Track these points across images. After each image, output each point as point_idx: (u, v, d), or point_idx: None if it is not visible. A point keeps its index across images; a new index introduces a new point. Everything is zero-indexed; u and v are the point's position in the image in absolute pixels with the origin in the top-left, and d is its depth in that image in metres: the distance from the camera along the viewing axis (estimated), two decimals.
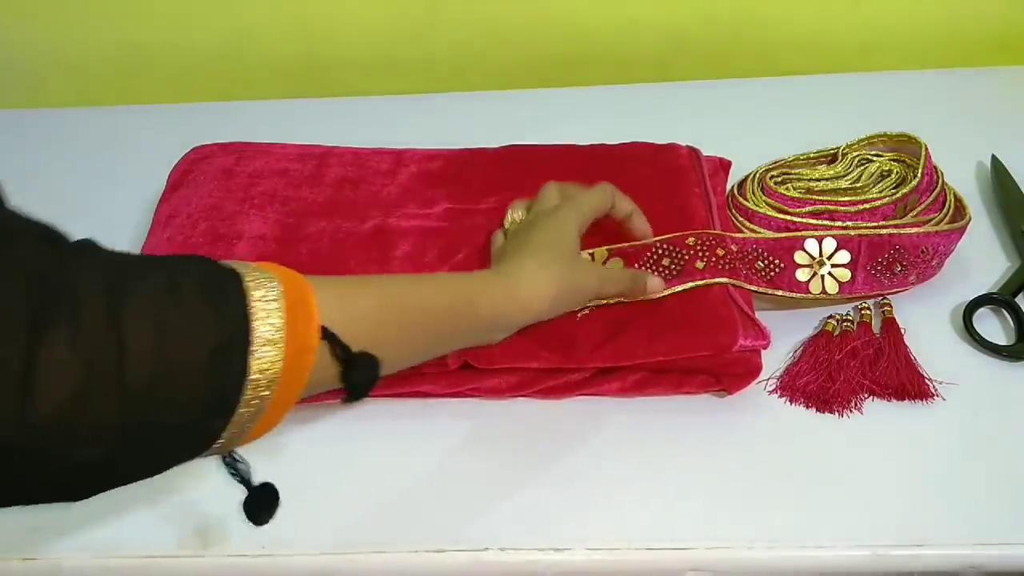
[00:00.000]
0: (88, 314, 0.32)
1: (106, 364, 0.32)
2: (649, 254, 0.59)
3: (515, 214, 0.60)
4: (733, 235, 0.60)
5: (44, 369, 0.30)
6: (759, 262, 0.59)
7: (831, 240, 0.59)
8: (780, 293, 0.58)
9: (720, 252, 0.58)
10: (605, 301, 0.57)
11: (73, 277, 0.32)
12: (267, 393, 0.36)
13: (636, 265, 0.59)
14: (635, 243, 0.59)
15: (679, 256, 0.58)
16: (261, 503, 0.42)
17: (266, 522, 0.42)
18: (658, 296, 0.57)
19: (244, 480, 0.41)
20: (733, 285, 0.57)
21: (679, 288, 0.57)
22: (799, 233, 0.60)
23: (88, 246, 0.35)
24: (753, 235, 0.60)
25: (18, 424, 0.30)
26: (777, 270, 0.59)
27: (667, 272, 0.58)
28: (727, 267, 0.57)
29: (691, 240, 0.58)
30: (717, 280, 0.56)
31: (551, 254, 0.52)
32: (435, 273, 0.49)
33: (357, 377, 0.40)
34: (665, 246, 0.59)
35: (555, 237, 0.54)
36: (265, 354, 0.36)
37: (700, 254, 0.58)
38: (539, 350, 0.55)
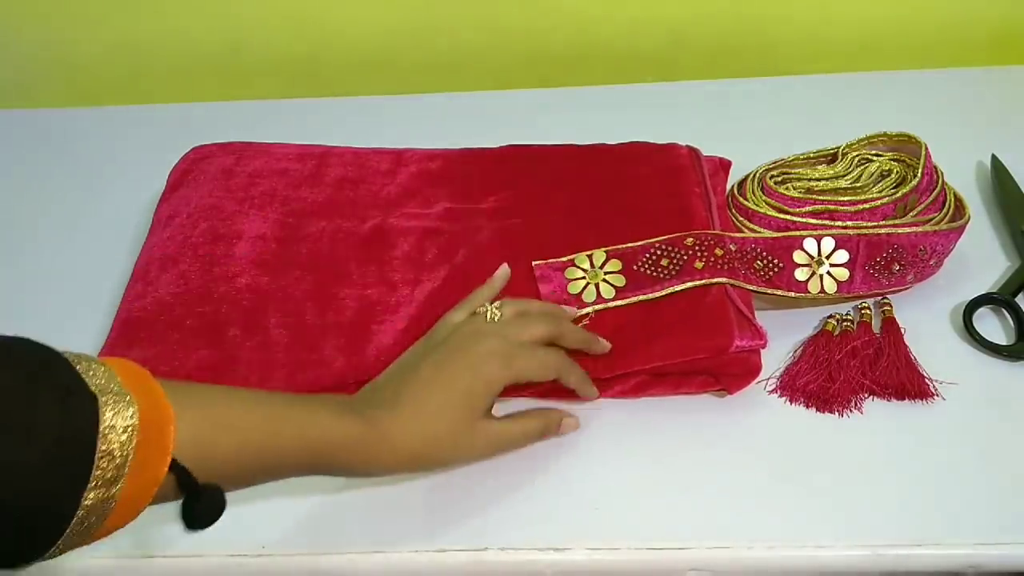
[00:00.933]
0: None
1: None
2: (648, 255, 0.59)
3: (494, 310, 0.54)
4: (732, 235, 0.60)
5: None
6: (758, 262, 0.59)
7: (830, 239, 0.59)
8: (779, 293, 0.58)
9: (719, 252, 0.58)
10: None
11: None
12: (96, 519, 0.35)
13: (635, 266, 0.58)
14: (634, 244, 0.59)
15: (678, 256, 0.58)
16: (205, 508, 0.40)
17: (204, 528, 0.40)
18: (649, 288, 0.57)
19: (190, 482, 0.39)
20: (732, 285, 0.57)
21: (679, 287, 0.57)
22: (798, 232, 0.60)
23: None
24: (752, 235, 0.60)
25: None
26: (776, 270, 0.59)
27: (666, 272, 0.58)
28: (726, 267, 0.57)
29: (689, 241, 0.59)
30: (716, 280, 0.56)
31: (450, 412, 0.47)
32: (307, 403, 0.44)
33: (200, 510, 0.39)
34: (664, 247, 0.59)
35: (467, 385, 0.48)
36: (100, 492, 0.34)
37: (699, 254, 0.58)
38: None
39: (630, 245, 0.60)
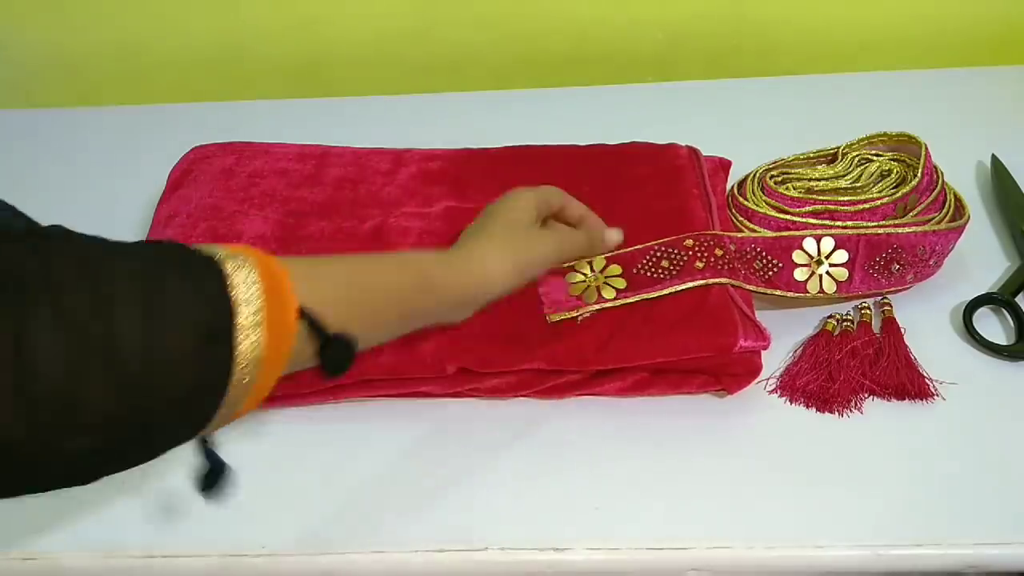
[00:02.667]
0: (69, 300, 0.31)
1: (97, 349, 0.32)
2: (647, 258, 0.59)
3: None
4: (731, 235, 0.60)
5: (33, 354, 0.30)
6: (757, 262, 0.59)
7: (829, 239, 0.59)
8: (778, 293, 0.58)
9: (719, 252, 0.58)
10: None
11: (48, 265, 0.32)
12: (251, 376, 0.36)
13: (635, 269, 0.58)
14: (632, 248, 0.59)
15: (678, 258, 0.58)
16: (221, 481, 0.43)
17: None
18: (649, 287, 0.57)
19: (211, 455, 0.42)
20: (732, 285, 0.57)
21: (680, 287, 0.57)
22: (798, 232, 0.60)
23: (58, 232, 0.35)
24: (751, 235, 0.60)
25: (15, 414, 0.30)
26: (775, 270, 0.59)
27: (666, 273, 0.58)
28: (726, 267, 0.57)
29: (689, 242, 0.59)
30: (717, 280, 0.56)
31: (505, 230, 0.53)
32: (398, 252, 0.49)
33: (335, 356, 0.41)
34: (664, 249, 0.59)
35: (508, 214, 0.54)
36: (249, 338, 0.36)
37: (699, 254, 0.58)
38: (539, 353, 0.55)
39: (628, 250, 0.59)
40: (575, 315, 0.57)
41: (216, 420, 0.37)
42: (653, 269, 0.58)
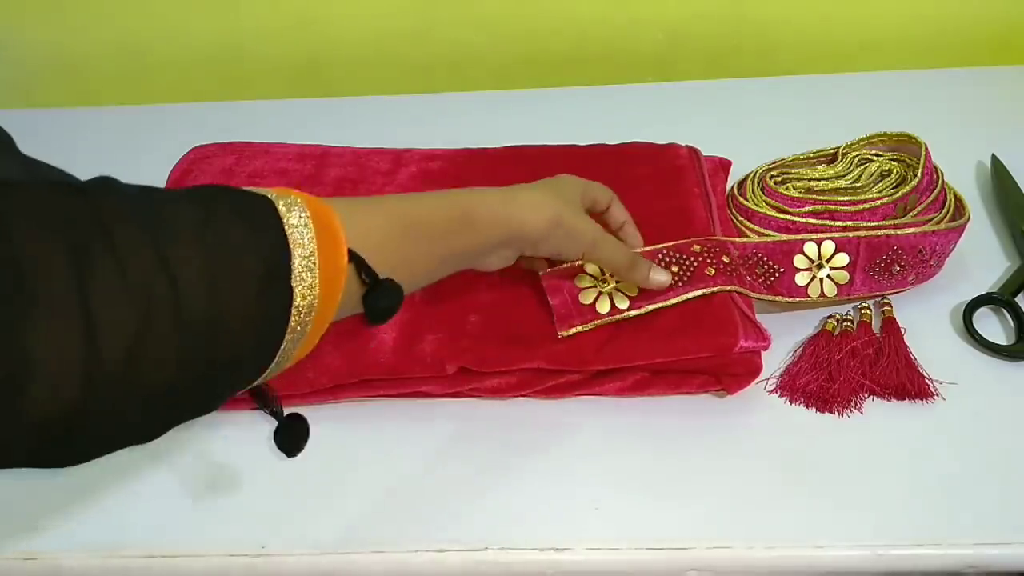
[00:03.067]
0: (130, 250, 0.31)
1: (161, 299, 0.32)
2: (656, 261, 0.57)
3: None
4: (734, 240, 0.60)
5: (101, 311, 0.30)
6: (759, 267, 0.59)
7: (830, 243, 0.59)
8: (779, 300, 0.58)
9: (725, 259, 0.58)
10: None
11: (103, 215, 0.32)
12: (308, 318, 0.37)
13: None
14: (641, 251, 0.58)
15: (688, 264, 0.57)
16: (294, 434, 0.43)
17: (297, 453, 0.43)
18: (662, 295, 0.56)
19: (276, 412, 0.42)
20: (740, 293, 0.57)
21: (692, 295, 0.56)
22: (798, 236, 0.59)
23: (110, 184, 0.35)
24: (752, 240, 0.60)
25: (85, 372, 0.30)
26: (777, 275, 0.58)
27: (677, 279, 0.57)
28: (734, 274, 0.57)
29: (696, 247, 0.58)
30: (728, 288, 0.56)
31: (553, 191, 0.53)
32: (440, 190, 0.50)
33: (381, 301, 0.41)
34: (672, 253, 0.58)
35: (556, 184, 0.54)
36: (304, 280, 0.36)
37: (708, 260, 0.57)
38: (539, 353, 0.55)
39: (638, 252, 0.58)
40: (588, 328, 0.55)
41: (272, 367, 0.37)
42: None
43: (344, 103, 0.85)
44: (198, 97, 0.94)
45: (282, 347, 0.37)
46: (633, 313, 0.56)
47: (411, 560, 0.49)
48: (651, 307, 0.56)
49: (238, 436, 0.55)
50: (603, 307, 0.56)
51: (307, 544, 0.50)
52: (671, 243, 0.58)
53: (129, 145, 0.82)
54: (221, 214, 0.35)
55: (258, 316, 0.35)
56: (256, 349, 0.36)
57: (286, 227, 0.36)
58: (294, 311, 0.36)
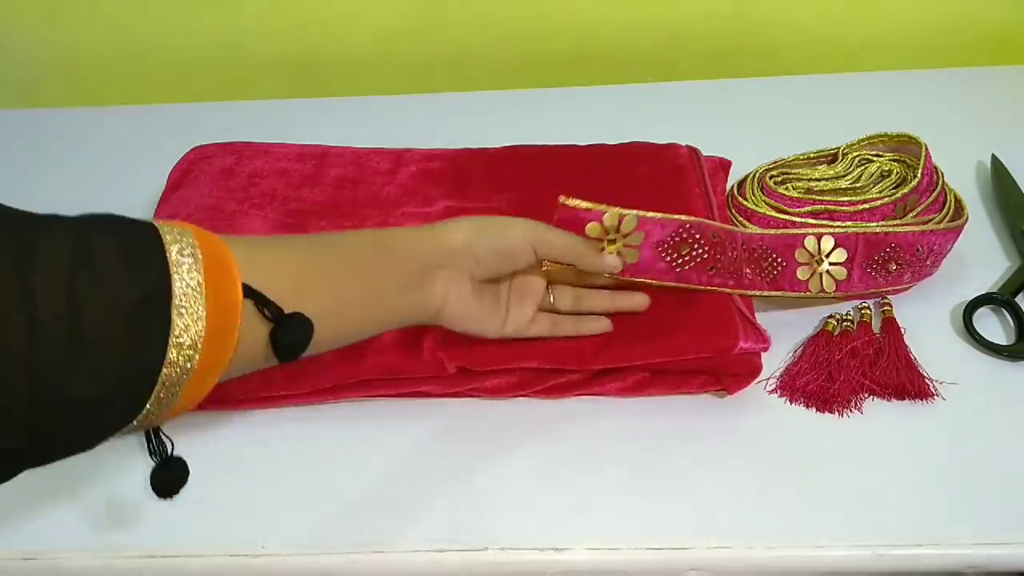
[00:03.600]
0: None
1: (15, 337, 0.30)
2: (673, 234, 0.55)
3: (558, 296, 0.57)
4: (742, 230, 0.59)
5: None
6: (764, 260, 0.58)
7: (829, 238, 0.59)
8: (780, 294, 0.58)
9: (731, 254, 0.57)
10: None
11: None
12: (193, 354, 0.34)
13: (654, 243, 0.55)
14: (665, 216, 0.54)
15: (699, 250, 0.55)
16: (172, 477, 0.41)
17: (172, 496, 0.41)
18: (657, 275, 0.55)
19: (160, 452, 0.40)
20: (739, 295, 0.57)
21: (683, 286, 0.56)
22: (799, 230, 0.59)
23: None
24: (758, 230, 0.60)
25: None
26: (780, 268, 0.58)
27: (680, 261, 0.55)
28: (735, 273, 0.57)
29: (714, 236, 0.56)
30: (722, 290, 0.56)
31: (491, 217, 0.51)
32: (353, 231, 0.49)
33: (287, 335, 0.39)
34: (692, 230, 0.55)
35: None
36: (187, 310, 0.34)
37: (718, 255, 0.56)
38: (538, 352, 0.55)
39: (662, 216, 0.54)
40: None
41: (153, 408, 0.35)
42: (671, 251, 0.55)
43: (344, 103, 0.85)
44: (198, 97, 0.94)
45: (160, 379, 0.34)
46: (624, 277, 0.55)
47: (411, 560, 0.49)
48: (642, 280, 0.55)
49: (238, 436, 0.55)
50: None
51: (307, 544, 0.50)
52: (696, 218, 0.55)
53: (129, 145, 0.82)
54: (96, 243, 0.33)
55: (130, 346, 0.33)
56: (131, 381, 0.34)
57: (169, 256, 0.34)
58: (173, 343, 0.34)
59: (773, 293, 0.58)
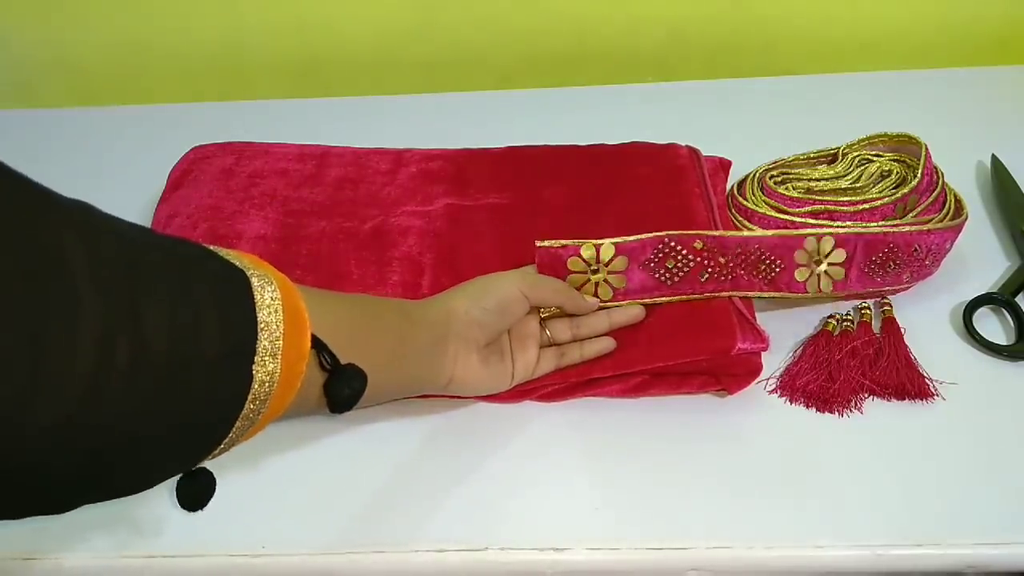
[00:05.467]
0: (103, 301, 0.29)
1: (118, 363, 0.29)
2: (654, 251, 0.56)
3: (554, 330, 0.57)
4: (736, 234, 0.59)
5: (53, 368, 0.27)
6: (761, 263, 0.59)
7: (829, 238, 0.58)
8: (779, 295, 0.58)
9: (722, 260, 0.57)
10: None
11: (78, 256, 0.29)
12: (265, 401, 0.35)
13: (643, 261, 0.56)
14: (642, 236, 0.56)
15: (685, 261, 0.56)
16: (200, 489, 0.40)
17: (200, 509, 0.41)
18: (647, 293, 0.56)
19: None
20: (735, 297, 0.57)
21: (677, 299, 0.56)
22: (797, 232, 0.59)
23: (85, 215, 0.32)
24: (754, 234, 0.60)
25: (18, 435, 0.27)
26: (777, 270, 0.58)
27: (668, 276, 0.56)
28: (729, 276, 0.57)
29: (698, 244, 0.57)
30: (719, 295, 0.56)
31: (471, 282, 0.54)
32: (378, 298, 0.52)
33: (344, 387, 0.40)
34: (673, 244, 0.56)
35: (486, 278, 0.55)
36: (267, 363, 0.35)
37: (706, 263, 0.57)
38: None
39: (638, 237, 0.56)
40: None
41: (219, 449, 0.36)
42: (658, 268, 0.56)
43: (344, 103, 0.85)
44: (198, 97, 0.94)
45: (231, 432, 0.35)
46: (612, 305, 0.56)
47: (411, 560, 0.49)
48: (630, 303, 0.57)
49: None
50: (587, 294, 0.57)
51: (307, 544, 0.50)
52: (676, 232, 0.57)
53: (129, 145, 0.82)
54: (197, 284, 0.33)
55: (211, 396, 0.33)
56: (204, 431, 0.34)
57: (258, 309, 0.35)
58: (251, 396, 0.34)
59: (771, 294, 0.58)
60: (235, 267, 0.36)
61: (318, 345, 0.38)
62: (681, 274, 0.56)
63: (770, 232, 0.60)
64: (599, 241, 0.56)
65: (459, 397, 0.55)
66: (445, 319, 0.51)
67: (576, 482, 0.52)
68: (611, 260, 0.56)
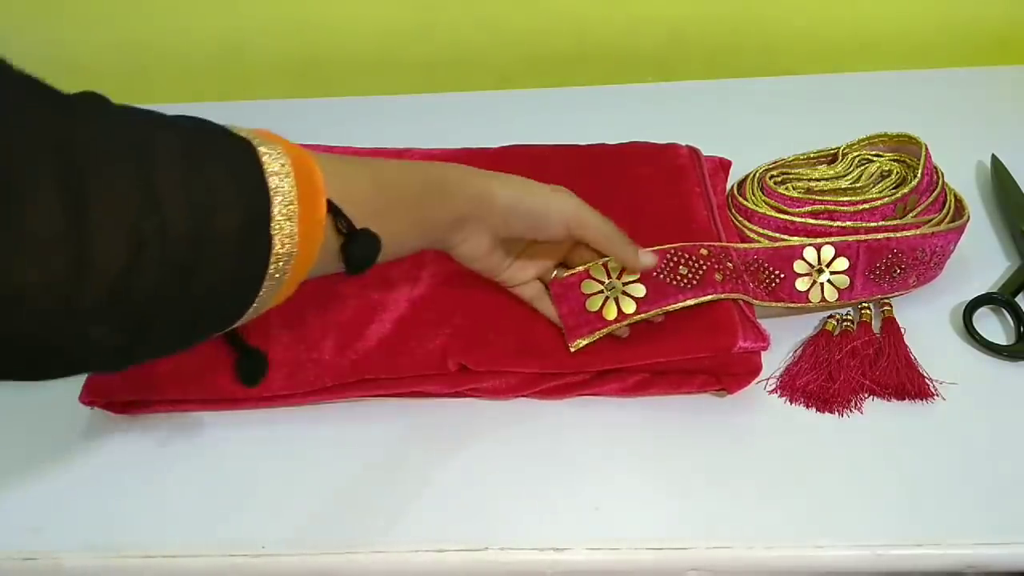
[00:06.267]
0: (123, 185, 0.32)
1: (149, 239, 0.32)
2: (664, 262, 0.56)
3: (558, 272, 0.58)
4: (735, 246, 0.59)
5: (93, 246, 0.30)
6: (761, 273, 0.59)
7: (829, 247, 0.58)
8: (782, 305, 0.58)
9: (730, 264, 0.57)
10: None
11: (98, 143, 0.32)
12: (288, 266, 0.37)
13: (654, 273, 0.56)
14: (650, 250, 0.56)
15: (697, 266, 0.56)
16: (256, 367, 0.45)
17: (257, 384, 0.46)
18: (669, 299, 0.54)
19: (240, 344, 0.44)
20: (745, 301, 0.56)
21: (701, 299, 0.54)
22: (797, 241, 0.59)
23: (98, 103, 0.35)
24: (752, 245, 0.60)
25: (66, 306, 0.31)
26: (778, 280, 0.58)
27: (686, 281, 0.56)
28: (738, 280, 0.57)
29: (704, 251, 0.57)
30: (732, 296, 0.55)
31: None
32: (417, 162, 0.51)
33: (359, 251, 0.41)
34: (681, 254, 0.57)
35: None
36: (283, 229, 0.36)
37: (716, 265, 0.56)
38: (539, 354, 0.55)
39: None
40: (596, 338, 0.55)
41: (249, 313, 0.38)
42: (672, 275, 0.56)
43: (344, 103, 0.85)
44: (198, 97, 0.94)
45: (259, 295, 0.37)
46: (638, 317, 0.54)
47: (411, 560, 0.49)
48: (656, 311, 0.54)
49: (238, 436, 0.55)
50: (610, 313, 0.55)
51: (307, 544, 0.50)
52: (680, 244, 0.57)
53: None
54: (207, 156, 0.35)
55: (236, 264, 0.35)
56: (233, 296, 0.37)
57: (267, 175, 0.36)
58: (272, 259, 0.36)
59: (773, 304, 0.58)
60: (243, 139, 0.38)
61: (333, 210, 0.40)
62: (698, 277, 0.56)
63: (765, 244, 0.59)
64: (604, 258, 0.56)
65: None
66: (480, 201, 0.50)
67: (576, 482, 0.52)
68: (622, 273, 0.56)
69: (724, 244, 0.59)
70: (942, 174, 0.64)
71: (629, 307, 0.55)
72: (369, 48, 0.91)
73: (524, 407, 0.56)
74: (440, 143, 0.73)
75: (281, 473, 0.54)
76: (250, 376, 0.46)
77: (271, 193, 0.36)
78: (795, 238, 0.61)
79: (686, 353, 0.54)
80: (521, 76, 0.92)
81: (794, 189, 0.66)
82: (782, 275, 0.58)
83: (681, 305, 0.54)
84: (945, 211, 0.62)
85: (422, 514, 0.51)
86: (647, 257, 0.55)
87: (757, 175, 0.67)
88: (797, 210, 0.63)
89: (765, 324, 0.56)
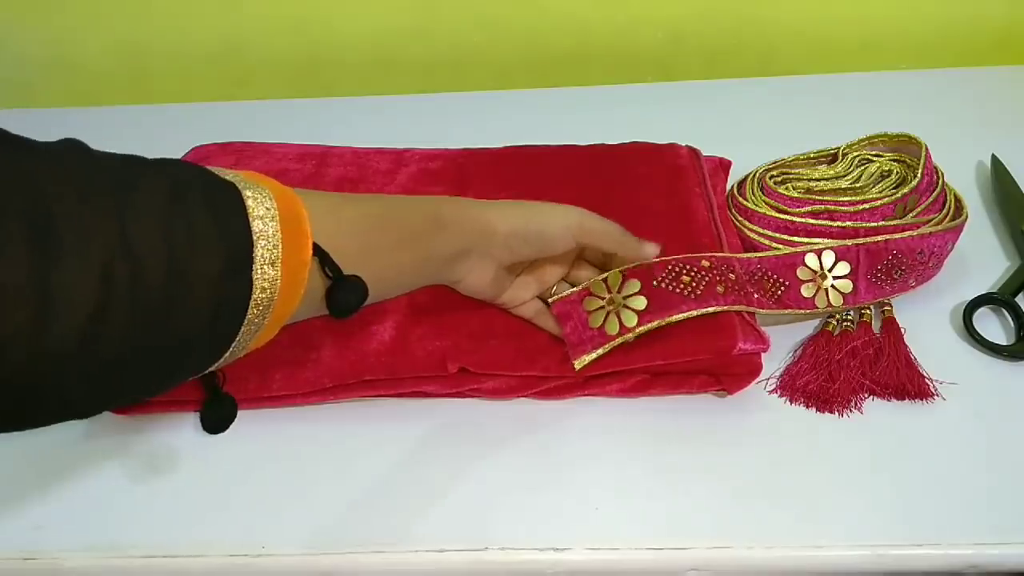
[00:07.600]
0: (95, 229, 0.31)
1: (120, 283, 0.31)
2: (666, 272, 0.56)
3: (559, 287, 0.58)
4: (738, 256, 0.59)
5: (59, 293, 0.30)
6: (765, 282, 0.58)
7: (830, 253, 0.58)
8: (789, 312, 0.58)
9: (732, 276, 0.57)
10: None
11: (69, 186, 0.32)
12: (267, 311, 0.37)
13: (654, 282, 0.55)
14: (649, 262, 0.56)
15: (699, 278, 0.56)
16: (223, 415, 0.44)
17: (221, 432, 0.44)
18: (671, 310, 0.54)
19: (212, 387, 0.43)
20: (749, 312, 0.56)
21: (703, 311, 0.54)
22: (797, 249, 0.59)
23: (79, 149, 0.35)
24: (753, 255, 0.59)
25: (32, 355, 0.30)
26: (783, 288, 0.58)
27: (688, 290, 0.55)
28: (741, 291, 0.57)
29: (706, 263, 0.56)
30: (735, 308, 0.55)
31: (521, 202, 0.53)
32: (409, 196, 0.51)
33: (343, 296, 0.41)
34: (682, 264, 0.56)
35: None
36: (266, 274, 0.36)
37: (718, 277, 0.56)
38: (539, 358, 0.55)
39: (644, 264, 0.56)
40: (600, 353, 0.54)
41: (225, 357, 0.37)
42: (673, 283, 0.55)
43: (344, 103, 0.86)
44: (198, 97, 0.94)
45: (236, 339, 0.37)
46: (641, 329, 0.53)
47: (411, 560, 0.49)
48: (659, 322, 0.53)
49: (238, 436, 0.55)
50: (612, 328, 0.54)
51: (307, 544, 0.50)
52: (681, 256, 0.57)
53: (129, 145, 0.80)
54: (190, 199, 0.35)
55: (214, 307, 0.35)
56: (209, 339, 0.36)
57: (251, 218, 0.36)
58: (252, 303, 0.36)
59: (781, 312, 0.58)
60: (226, 182, 0.37)
61: (320, 254, 0.39)
62: (701, 288, 0.55)
63: (768, 254, 0.59)
64: (604, 273, 0.57)
65: (464, 401, 0.55)
66: (479, 234, 0.50)
67: (576, 482, 0.52)
68: (621, 284, 0.56)
69: (726, 255, 0.58)
70: (942, 174, 0.64)
71: (631, 320, 0.54)
72: (369, 48, 0.91)
73: (524, 407, 0.56)
74: (440, 143, 0.73)
75: (281, 473, 0.54)
76: (214, 424, 0.44)
77: (254, 237, 0.36)
78: (795, 238, 0.61)
79: (686, 355, 0.54)
80: (521, 76, 0.92)
81: (794, 189, 0.66)
82: (786, 283, 0.58)
83: (684, 316, 0.54)
84: (945, 211, 0.62)
85: (422, 514, 0.51)
86: (650, 247, 0.55)
87: (757, 175, 0.67)
88: (797, 210, 0.63)
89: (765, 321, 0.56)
